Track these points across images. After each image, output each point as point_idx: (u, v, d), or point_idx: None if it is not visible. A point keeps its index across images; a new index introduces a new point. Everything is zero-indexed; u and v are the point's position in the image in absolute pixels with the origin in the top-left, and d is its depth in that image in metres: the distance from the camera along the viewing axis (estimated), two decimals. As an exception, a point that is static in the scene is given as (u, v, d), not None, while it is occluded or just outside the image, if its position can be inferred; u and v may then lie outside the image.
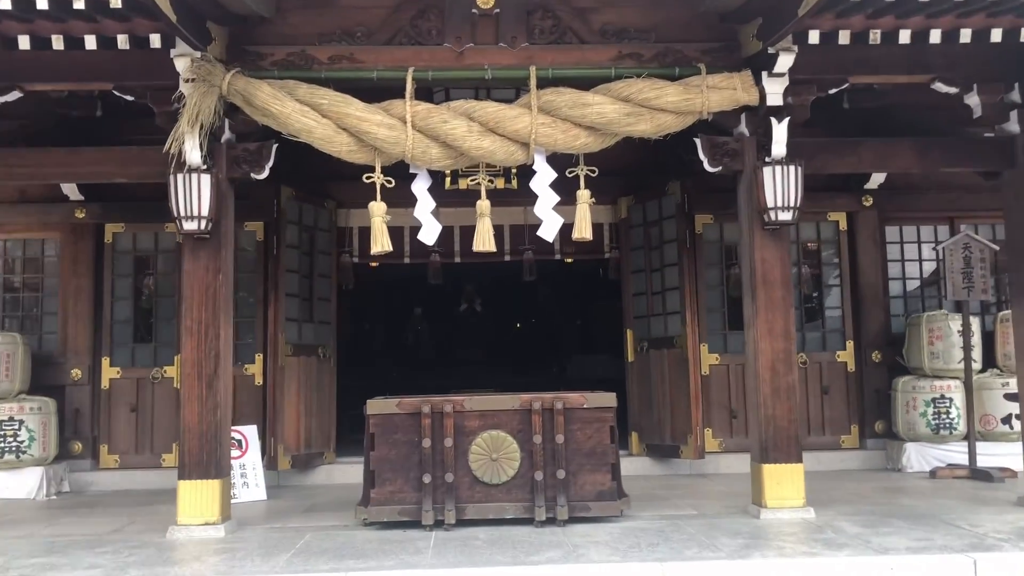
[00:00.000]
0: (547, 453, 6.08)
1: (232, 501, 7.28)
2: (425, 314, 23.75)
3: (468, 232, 9.43)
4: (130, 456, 8.68)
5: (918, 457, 8.51)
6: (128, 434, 8.72)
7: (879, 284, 9.32)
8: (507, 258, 9.43)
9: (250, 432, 7.90)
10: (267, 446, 8.23)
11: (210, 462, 6.08)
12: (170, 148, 5.97)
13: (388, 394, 13.89)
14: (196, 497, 6.04)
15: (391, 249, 6.41)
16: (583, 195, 6.55)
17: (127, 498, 7.81)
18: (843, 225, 9.37)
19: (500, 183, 9.03)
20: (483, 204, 6.51)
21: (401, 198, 8.33)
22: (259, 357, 8.74)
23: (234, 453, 7.71)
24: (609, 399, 6.22)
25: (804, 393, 8.91)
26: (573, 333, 19.04)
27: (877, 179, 9.06)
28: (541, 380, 17.29)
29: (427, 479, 6.00)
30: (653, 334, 8.89)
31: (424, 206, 6.61)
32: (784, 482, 6.23)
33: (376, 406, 6.15)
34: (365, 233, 9.13)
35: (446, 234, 9.26)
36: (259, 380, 8.70)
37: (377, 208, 6.37)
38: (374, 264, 10.17)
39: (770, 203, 6.23)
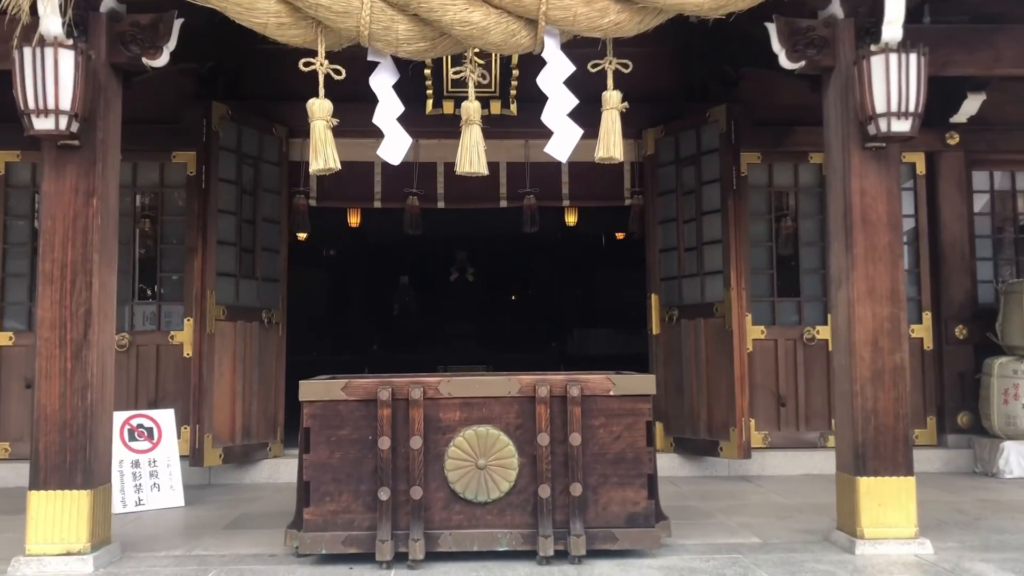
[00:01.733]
0: (557, 459, 4.26)
1: (137, 509, 5.54)
2: (413, 284, 21.94)
3: (454, 170, 7.60)
4: (23, 444, 6.83)
5: (1019, 459, 6.72)
6: (24, 417, 6.87)
7: (964, 243, 7.48)
8: (503, 204, 7.56)
9: (164, 418, 6.06)
10: (192, 436, 6.39)
11: (76, 465, 4.24)
12: (9, 6, 4.07)
13: (368, 371, 12.13)
14: (54, 515, 4.21)
15: (338, 167, 4.56)
16: (611, 97, 4.68)
17: None
18: (920, 168, 7.52)
19: (495, 107, 7.19)
20: (471, 107, 4.64)
21: (369, 124, 6.52)
22: (189, 323, 6.88)
23: (142, 445, 5.89)
24: (645, 383, 4.39)
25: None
26: (573, 305, 17.17)
27: (968, 110, 7.20)
28: (539, 358, 15.52)
29: (384, 495, 4.17)
30: (686, 300, 7.05)
31: (387, 110, 4.75)
32: (889, 503, 4.42)
33: (313, 390, 4.31)
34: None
35: (427, 173, 7.44)
36: (188, 351, 6.84)
37: (319, 108, 4.52)
38: (343, 208, 8.36)
39: (880, 107, 4.36)
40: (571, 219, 15.75)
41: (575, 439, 4.23)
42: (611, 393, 4.31)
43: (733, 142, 6.75)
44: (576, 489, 4.21)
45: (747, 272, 6.86)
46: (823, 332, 7.25)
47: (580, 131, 4.67)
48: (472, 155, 4.56)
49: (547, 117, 4.74)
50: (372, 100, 5.00)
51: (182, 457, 6.36)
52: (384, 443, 4.20)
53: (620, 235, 18.37)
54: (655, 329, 7.27)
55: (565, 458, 4.25)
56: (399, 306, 21.48)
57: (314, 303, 17.57)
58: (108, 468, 4.51)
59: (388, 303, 21.09)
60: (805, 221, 7.46)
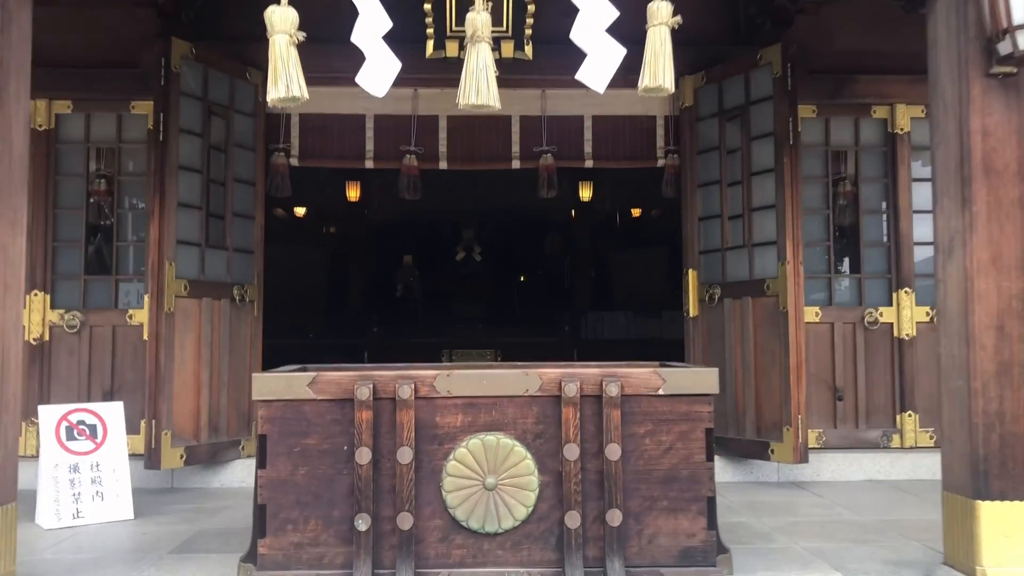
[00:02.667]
0: (589, 478, 3.26)
1: (75, 524, 4.61)
2: (416, 264, 20.93)
3: (459, 125, 6.58)
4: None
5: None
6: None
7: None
8: (516, 164, 6.51)
9: (111, 413, 5.06)
10: (148, 433, 5.40)
11: (-39, 481, 3.26)
12: None
13: (367, 359, 10.93)
14: (-67, 546, 3.23)
15: (303, 95, 3.56)
16: (660, 9, 3.66)
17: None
18: None
19: (507, 49, 6.11)
20: (478, 19, 3.60)
21: (357, 67, 5.55)
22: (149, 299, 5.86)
23: (83, 446, 4.90)
24: (705, 380, 3.37)
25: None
26: (587, 287, 16.14)
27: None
28: (550, 342, 14.49)
29: (363, 523, 3.17)
30: (730, 276, 6.01)
31: (369, 24, 3.71)
32: (1019, 535, 3.40)
33: (271, 385, 3.30)
34: (311, 124, 6.30)
35: (427, 128, 6.40)
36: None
37: (280, 19, 3.50)
38: (332, 170, 7.35)
39: (1018, 17, 3.31)
40: (586, 193, 14.80)
41: (613, 452, 3.22)
42: (660, 392, 3.29)
43: (789, 88, 5.68)
44: (614, 517, 3.20)
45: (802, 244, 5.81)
46: (887, 315, 6.23)
47: (623, 50, 3.63)
48: (480, 82, 3.53)
49: (578, 34, 3.72)
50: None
51: (135, 458, 5.39)
52: (363, 456, 3.19)
53: (636, 212, 17.44)
54: (692, 310, 6.23)
55: (600, 476, 3.24)
56: (402, 286, 20.49)
57: (312, 282, 16.58)
58: (12, 481, 3.51)
59: (390, 284, 20.10)
60: (867, 186, 6.40)
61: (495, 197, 15.45)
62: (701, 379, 3.32)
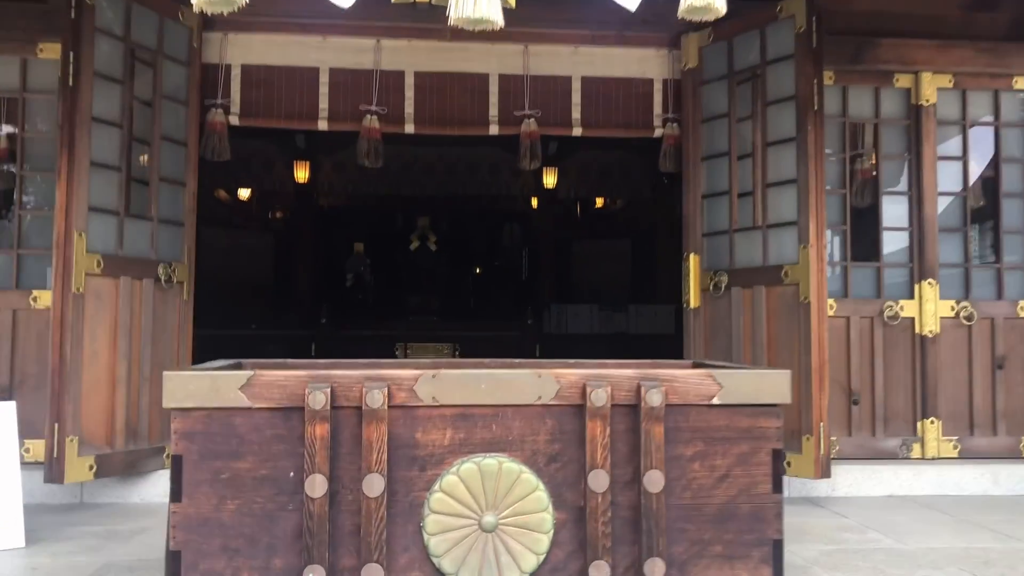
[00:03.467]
0: (621, 514, 2.44)
1: None
2: (368, 252, 19.94)
3: (429, 83, 5.70)
4: None
5: None
6: None
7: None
8: (494, 130, 5.65)
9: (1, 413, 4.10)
10: (50, 440, 4.45)
11: None
12: None
13: (316, 353, 10.02)
14: None
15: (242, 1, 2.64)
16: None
17: None
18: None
19: (486, -6, 5.26)
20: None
21: (314, 15, 4.79)
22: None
23: (-39, 458, 3.93)
24: (775, 384, 2.57)
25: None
26: (550, 279, 15.36)
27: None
28: (512, 336, 13.67)
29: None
30: (739, 262, 5.25)
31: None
32: None
33: (190, 388, 2.41)
34: (255, 77, 5.39)
35: (392, 85, 5.54)
36: (56, 319, 4.85)
37: None
38: (277, 131, 6.45)
39: None
40: (550, 180, 14.01)
41: (654, 481, 2.41)
42: (714, 401, 2.49)
43: (815, 45, 4.93)
44: (655, 569, 2.39)
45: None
46: (908, 308, 5.53)
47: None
48: None
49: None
50: None
51: (34, 467, 4.46)
52: (317, 486, 2.33)
53: (600, 202, 16.71)
54: (693, 300, 5.45)
55: (635, 513, 2.43)
56: (352, 276, 19.49)
57: (256, 269, 15.53)
58: None
59: (341, 273, 19.09)
60: (888, 163, 5.70)
61: (453, 183, 14.60)
62: (768, 384, 2.53)
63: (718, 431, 2.49)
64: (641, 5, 5.51)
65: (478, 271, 20.89)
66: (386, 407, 2.36)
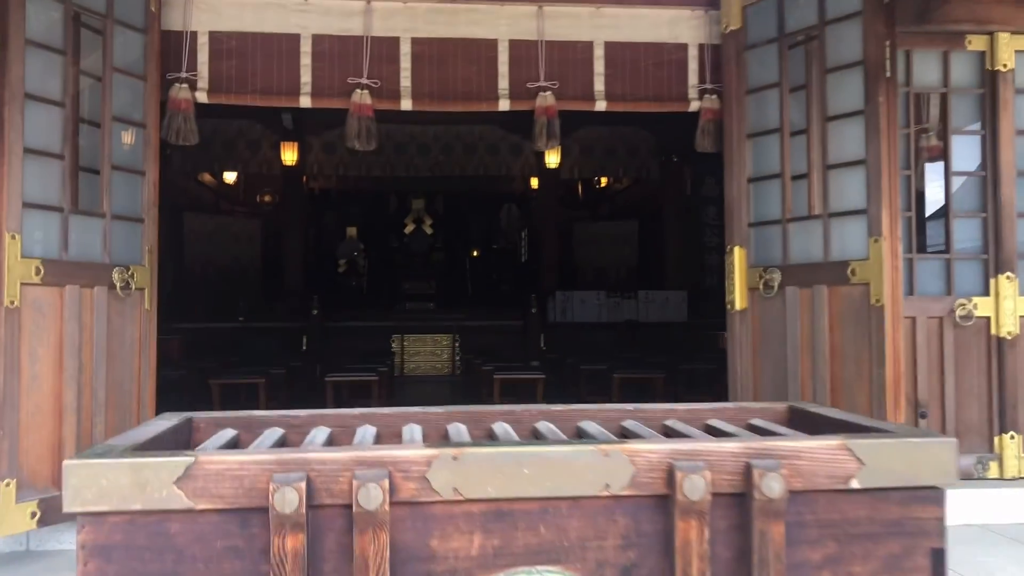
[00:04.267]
0: (724, 651, 1.70)
1: None
2: (361, 236, 19.16)
3: (428, 51, 4.92)
4: None
5: None
6: None
7: None
8: (504, 104, 4.88)
9: (-88, 463, 3.36)
10: (-17, 481, 3.71)
11: None
12: None
13: (307, 345, 9.56)
14: None
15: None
16: None
17: None
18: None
19: (495, -55, 4.51)
20: None
21: None
22: None
23: None
24: (935, 457, 1.81)
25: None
26: (554, 264, 14.60)
27: None
28: (514, 327, 12.94)
29: None
30: (795, 257, 4.50)
31: None
32: None
33: (106, 485, 1.64)
34: (226, 46, 4.61)
35: (385, 54, 4.76)
36: None
37: None
38: (253, 108, 5.72)
39: None
40: (552, 159, 13.22)
41: (773, 603, 1.67)
42: (853, 485, 1.75)
43: (887, 1, 4.16)
44: None
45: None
46: (983, 307, 4.80)
47: None
48: None
49: None
50: None
51: (-37, 520, 3.72)
52: (287, 624, 1.59)
53: (604, 180, 15.93)
54: (739, 301, 4.71)
55: (744, 648, 1.69)
56: (346, 261, 18.74)
57: (245, 258, 14.76)
58: None
59: (332, 260, 18.32)
60: (958, 139, 4.94)
61: (450, 163, 13.81)
62: (927, 458, 1.79)
63: (857, 525, 1.75)
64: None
65: (476, 254, 20.15)
66: (387, 506, 1.62)
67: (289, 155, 13.15)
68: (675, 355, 9.85)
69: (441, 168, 13.85)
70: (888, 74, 4.14)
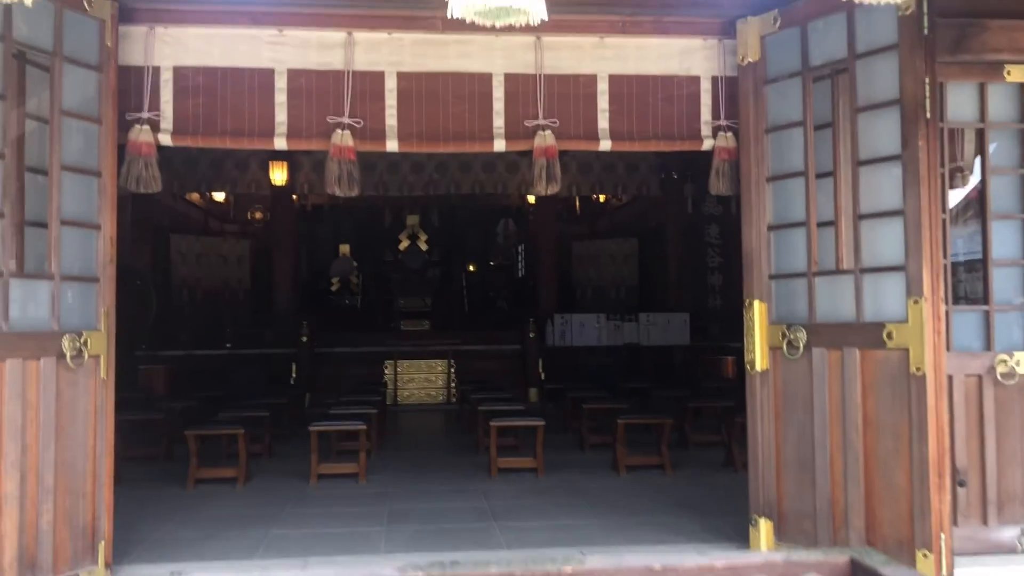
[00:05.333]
0: None
1: None
2: (355, 254, 18.70)
3: (416, 87, 4.47)
4: None
5: None
6: None
7: None
8: (500, 145, 4.43)
9: None
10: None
11: None
12: None
13: (296, 374, 9.16)
14: None
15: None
16: None
17: None
18: None
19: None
20: None
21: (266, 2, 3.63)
22: (-66, 355, 3.65)
23: None
24: None
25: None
26: (553, 285, 14.16)
27: None
28: (512, 351, 12.52)
29: None
30: (822, 315, 4.05)
31: None
32: None
33: None
34: (191, 82, 4.17)
35: (369, 89, 4.35)
36: (-68, 408, 3.63)
37: None
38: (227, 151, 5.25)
39: None
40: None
41: None
42: None
43: (926, 32, 3.74)
44: None
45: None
46: (1028, 363, 4.37)
47: None
48: None
49: None
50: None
51: None
52: None
53: (603, 196, 15.47)
54: (760, 361, 4.26)
55: None
56: (339, 279, 18.28)
57: (234, 280, 14.30)
58: None
59: (324, 279, 17.86)
60: (997, 179, 4.50)
61: (444, 182, 13.37)
62: None
63: None
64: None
65: (472, 269, 19.70)
66: None
67: (279, 174, 12.73)
68: (680, 386, 9.42)
69: (436, 186, 13.44)
70: (928, 115, 3.71)
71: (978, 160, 4.56)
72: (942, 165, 4.39)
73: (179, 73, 4.24)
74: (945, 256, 4.33)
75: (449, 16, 1.76)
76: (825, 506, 4.00)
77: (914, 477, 3.68)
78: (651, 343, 12.48)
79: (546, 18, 1.83)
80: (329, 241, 18.43)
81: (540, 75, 4.38)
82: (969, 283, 5.06)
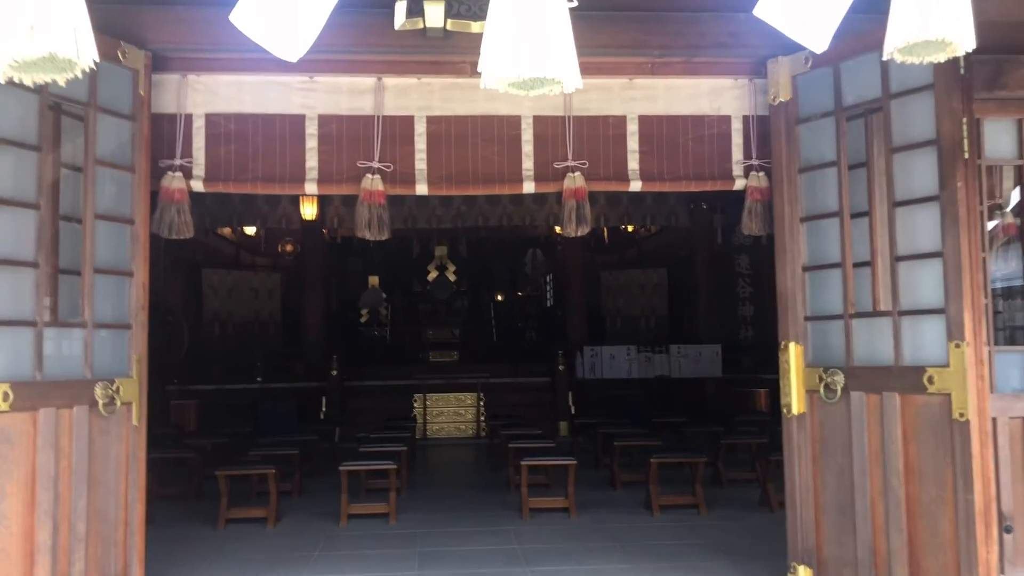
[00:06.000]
0: None
1: None
2: (384, 287, 18.77)
3: (445, 131, 4.48)
4: None
5: None
6: None
7: None
8: (529, 187, 4.43)
9: None
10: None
11: None
12: None
13: (326, 407, 9.13)
14: None
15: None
16: None
17: None
18: None
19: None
20: None
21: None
22: (-30, 402, 3.67)
23: None
24: None
25: None
26: (580, 318, 14.10)
27: None
28: (541, 384, 12.46)
29: None
30: (860, 358, 3.97)
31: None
32: None
33: None
34: (223, 129, 4.21)
35: (399, 134, 4.35)
36: (-34, 455, 3.64)
37: None
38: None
39: None
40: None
41: None
42: None
43: (963, 71, 3.69)
44: None
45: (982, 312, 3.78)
46: (1072, 404, 4.23)
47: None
48: (532, 33, 1.42)
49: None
50: None
51: None
52: None
53: (630, 228, 15.41)
54: (796, 405, 4.17)
55: None
56: (368, 311, 18.33)
57: (265, 313, 14.38)
58: None
59: (354, 311, 17.92)
60: (1037, 216, 4.42)
61: (472, 214, 13.38)
62: None
63: None
64: (716, 22, 4.27)
65: (500, 298, 19.68)
66: None
67: (309, 209, 12.81)
68: (713, 420, 9.30)
69: (464, 219, 13.43)
70: (966, 155, 3.65)
71: (1015, 193, 4.49)
72: (980, 203, 4.33)
73: (211, 120, 4.28)
74: (985, 295, 4.26)
75: (483, 86, 1.74)
76: (867, 554, 3.89)
77: (959, 526, 3.57)
78: (682, 375, 12.35)
79: (580, 85, 1.81)
80: (358, 273, 18.52)
81: (569, 117, 4.37)
82: (1007, 312, 4.95)
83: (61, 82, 2.02)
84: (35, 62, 2.02)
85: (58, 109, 3.72)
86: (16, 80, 2.12)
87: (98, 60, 2.25)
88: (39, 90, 3.59)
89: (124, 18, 3.95)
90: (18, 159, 3.55)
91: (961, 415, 3.58)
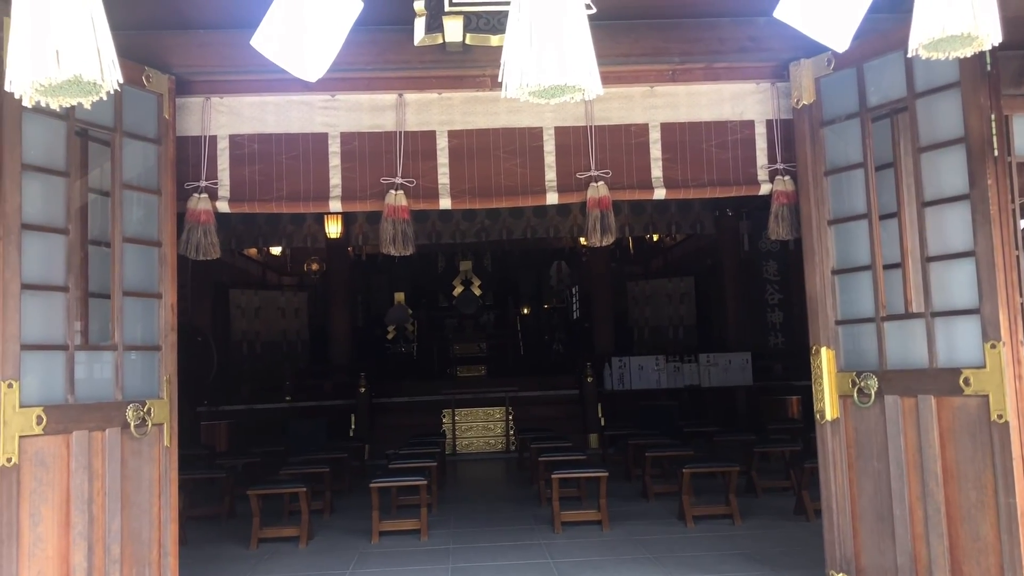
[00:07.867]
0: None
1: None
2: (410, 303, 18.84)
3: (467, 144, 4.49)
4: None
5: None
6: None
7: None
8: (552, 198, 4.41)
9: None
10: (-18, 662, 3.27)
11: None
12: None
13: (355, 425, 9.11)
14: None
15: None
16: None
17: None
18: None
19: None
20: None
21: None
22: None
23: None
24: None
25: None
26: (608, 327, 14.04)
27: None
28: (570, 396, 12.42)
29: None
30: (893, 361, 3.91)
31: None
32: None
33: None
34: (247, 149, 4.24)
35: (421, 149, 4.35)
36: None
37: None
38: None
39: None
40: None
41: None
42: None
43: (989, 68, 3.64)
44: None
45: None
46: (1113, 404, 4.14)
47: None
48: (552, 43, 1.41)
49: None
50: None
51: None
52: None
53: (656, 237, 15.36)
54: (830, 410, 4.12)
55: None
56: (395, 327, 18.38)
57: (292, 331, 14.45)
58: None
59: (381, 328, 17.99)
60: (1070, 212, 4.34)
61: (496, 228, 13.40)
62: None
63: None
64: (736, 27, 4.24)
65: (526, 311, 19.67)
66: None
67: (334, 227, 12.90)
68: (745, 429, 9.22)
69: (488, 233, 13.44)
70: (996, 152, 3.59)
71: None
72: (1012, 200, 4.26)
73: (235, 141, 4.32)
74: (1021, 294, 4.18)
75: (504, 96, 1.74)
76: (907, 561, 3.82)
77: (1001, 530, 3.50)
78: (712, 384, 12.25)
79: (602, 92, 1.80)
80: (384, 289, 18.60)
81: (591, 127, 4.36)
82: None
83: (87, 105, 2.06)
84: (61, 85, 2.06)
85: (85, 135, 3.76)
86: (43, 104, 2.15)
87: (122, 81, 2.28)
88: (66, 116, 3.64)
89: (148, 43, 4.00)
90: (47, 185, 3.59)
91: (1000, 416, 3.51)
